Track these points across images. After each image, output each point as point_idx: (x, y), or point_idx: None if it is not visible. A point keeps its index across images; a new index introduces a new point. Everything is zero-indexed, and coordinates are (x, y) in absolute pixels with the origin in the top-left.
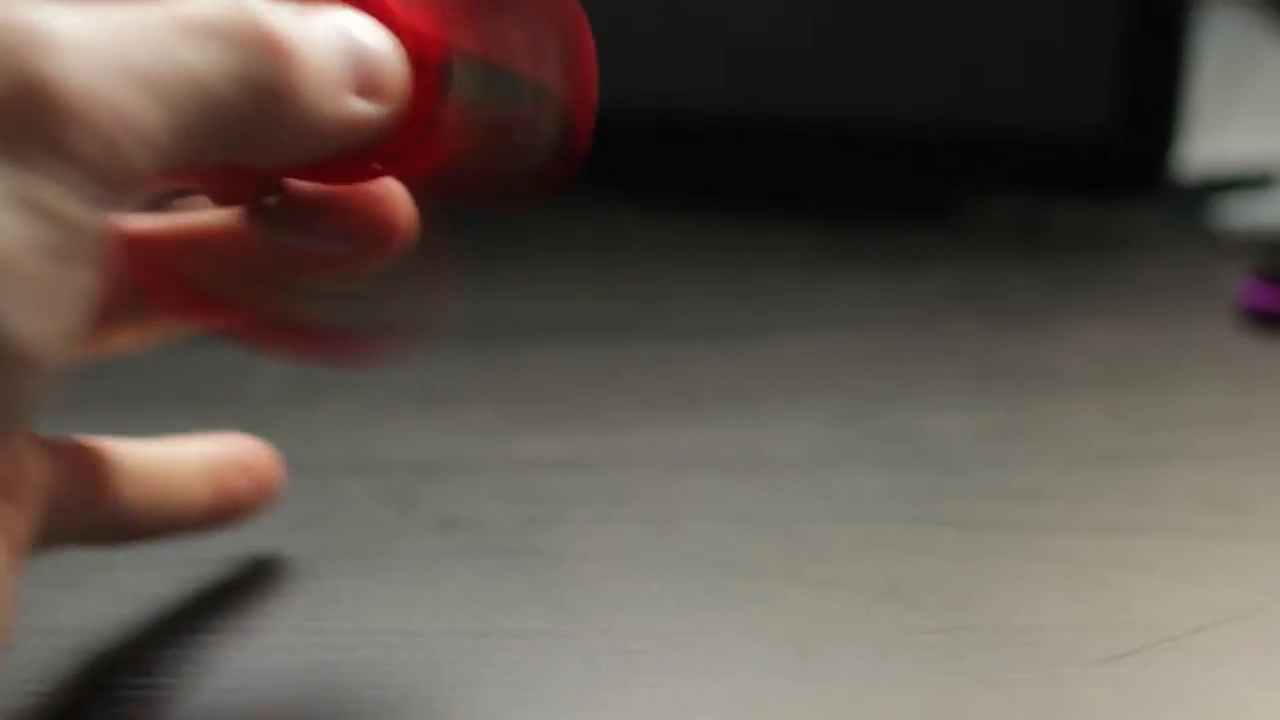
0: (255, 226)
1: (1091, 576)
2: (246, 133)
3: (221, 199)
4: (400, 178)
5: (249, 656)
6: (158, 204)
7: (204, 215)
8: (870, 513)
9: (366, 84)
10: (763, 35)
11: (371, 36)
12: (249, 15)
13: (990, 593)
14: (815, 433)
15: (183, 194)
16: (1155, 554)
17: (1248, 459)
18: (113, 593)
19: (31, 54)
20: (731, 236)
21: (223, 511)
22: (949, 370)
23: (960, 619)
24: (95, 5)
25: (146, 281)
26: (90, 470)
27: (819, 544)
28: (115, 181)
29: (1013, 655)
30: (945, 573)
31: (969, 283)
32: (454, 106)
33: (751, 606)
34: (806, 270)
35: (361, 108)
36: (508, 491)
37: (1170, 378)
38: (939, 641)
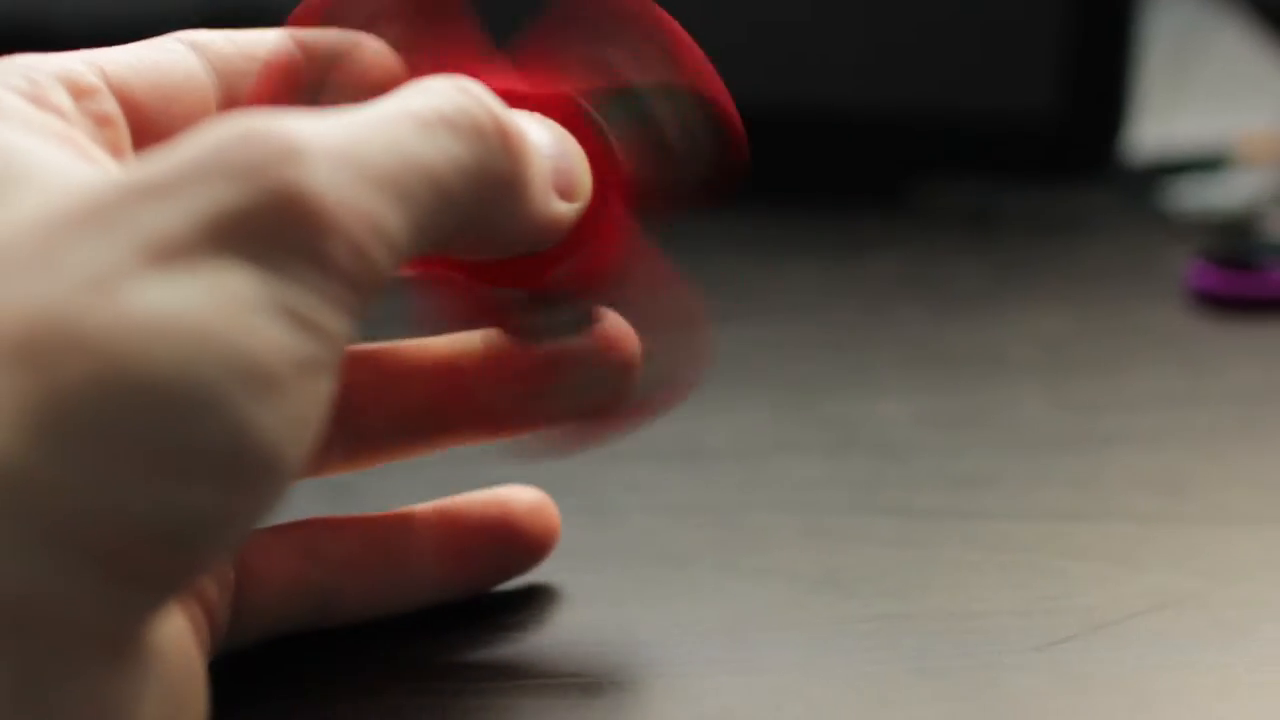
0: (521, 337)
1: (1031, 563)
2: (473, 227)
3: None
4: (591, 260)
5: None
6: None
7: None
8: (809, 501)
9: (565, 184)
10: (709, 20)
11: (554, 134)
12: (484, 107)
13: (929, 580)
14: (755, 421)
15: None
16: (1095, 539)
17: (1192, 443)
18: None
19: (285, 165)
20: (674, 221)
21: (457, 585)
22: (893, 357)
23: (898, 607)
24: (333, 108)
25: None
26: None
27: (756, 534)
28: (364, 288)
29: (951, 642)
30: (884, 561)
31: (916, 269)
32: (619, 173)
33: (686, 597)
34: (752, 256)
35: (564, 208)
36: (445, 485)
37: (1116, 362)
38: (876, 630)
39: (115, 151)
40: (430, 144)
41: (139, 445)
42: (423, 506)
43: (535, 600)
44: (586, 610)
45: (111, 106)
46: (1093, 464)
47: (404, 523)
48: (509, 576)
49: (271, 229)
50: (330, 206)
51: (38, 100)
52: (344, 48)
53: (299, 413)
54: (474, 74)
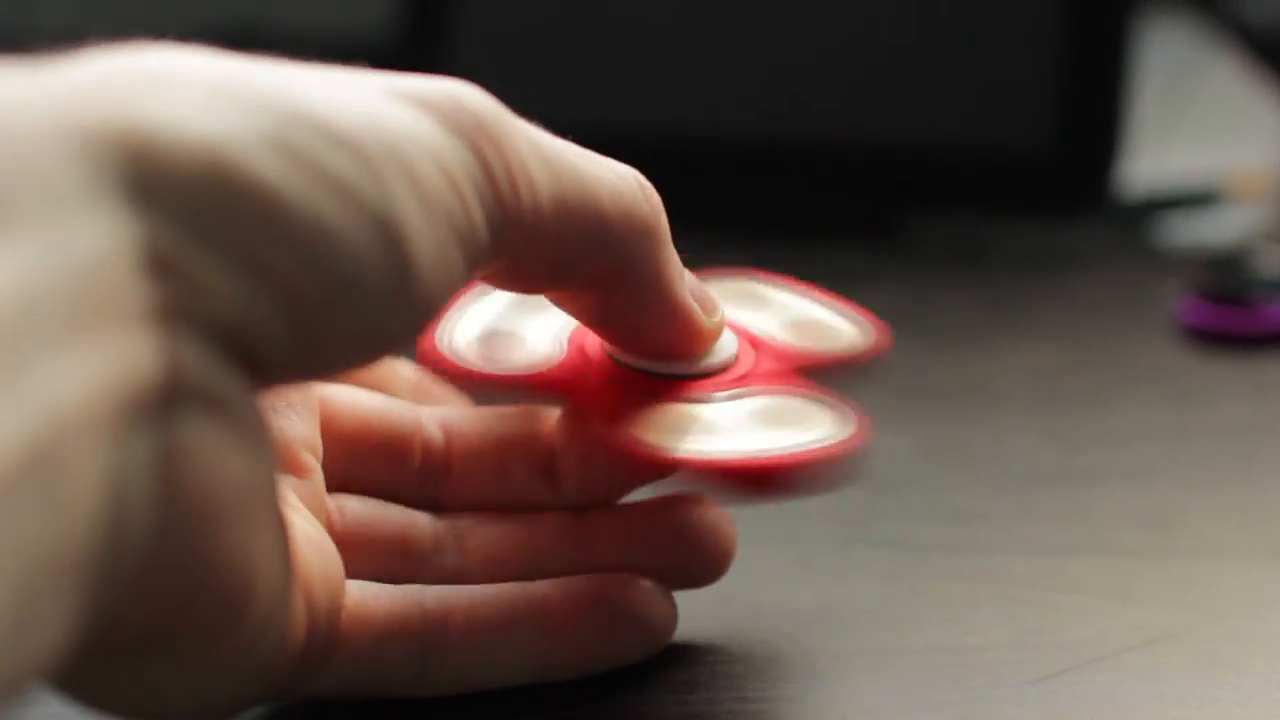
0: None
1: (1023, 597)
2: (618, 270)
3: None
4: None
5: None
6: None
7: None
8: (804, 535)
9: (700, 296)
10: (702, 56)
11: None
12: (645, 182)
13: (923, 614)
14: None
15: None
16: (1087, 574)
17: (1181, 477)
18: None
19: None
20: None
21: (561, 662)
22: (885, 390)
23: (893, 640)
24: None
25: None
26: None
27: (752, 567)
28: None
29: (945, 676)
30: (878, 594)
31: (908, 302)
32: None
33: (683, 630)
34: None
35: (696, 308)
36: None
37: (1107, 396)
38: (871, 664)
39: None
40: (600, 168)
41: (311, 162)
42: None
43: None
44: None
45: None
46: (1084, 498)
47: (523, 589)
48: (617, 659)
49: (470, 121)
50: (515, 142)
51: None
52: None
53: (427, 248)
54: None
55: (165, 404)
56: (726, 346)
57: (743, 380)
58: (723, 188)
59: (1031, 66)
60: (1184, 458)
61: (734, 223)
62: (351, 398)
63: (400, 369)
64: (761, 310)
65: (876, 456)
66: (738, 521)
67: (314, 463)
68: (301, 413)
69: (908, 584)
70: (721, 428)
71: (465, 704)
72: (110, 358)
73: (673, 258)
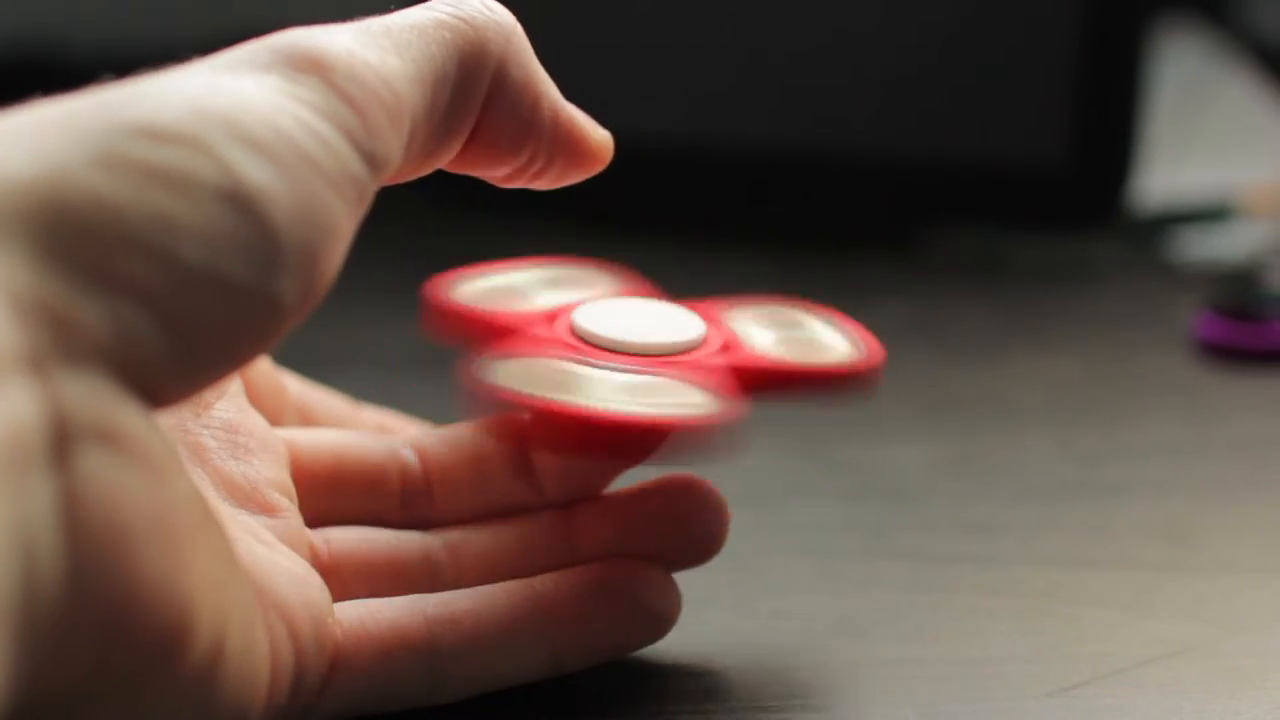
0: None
1: (1043, 609)
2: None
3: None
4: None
5: None
6: None
7: None
8: (824, 545)
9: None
10: (718, 67)
11: None
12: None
13: (942, 625)
14: (768, 464)
15: None
16: (1106, 586)
17: (1199, 492)
18: None
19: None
20: (684, 266)
21: (589, 655)
22: (902, 402)
23: (912, 651)
24: None
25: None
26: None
27: (773, 577)
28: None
29: (965, 687)
30: (898, 605)
31: (923, 314)
32: None
33: (704, 639)
34: None
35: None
36: None
37: (1123, 410)
38: (891, 674)
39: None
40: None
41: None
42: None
43: None
44: None
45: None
46: (1101, 511)
47: (526, 584)
48: (627, 645)
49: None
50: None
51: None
52: None
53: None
54: None
55: (56, 447)
56: (687, 331)
57: (667, 364)
58: (741, 200)
59: (1047, 81)
60: (1201, 472)
61: (752, 234)
62: (320, 438)
63: (363, 415)
64: (771, 329)
65: (887, 469)
66: (757, 530)
67: (285, 501)
68: (264, 457)
69: (927, 595)
70: (592, 390)
71: (478, 714)
72: None
73: (538, 69)
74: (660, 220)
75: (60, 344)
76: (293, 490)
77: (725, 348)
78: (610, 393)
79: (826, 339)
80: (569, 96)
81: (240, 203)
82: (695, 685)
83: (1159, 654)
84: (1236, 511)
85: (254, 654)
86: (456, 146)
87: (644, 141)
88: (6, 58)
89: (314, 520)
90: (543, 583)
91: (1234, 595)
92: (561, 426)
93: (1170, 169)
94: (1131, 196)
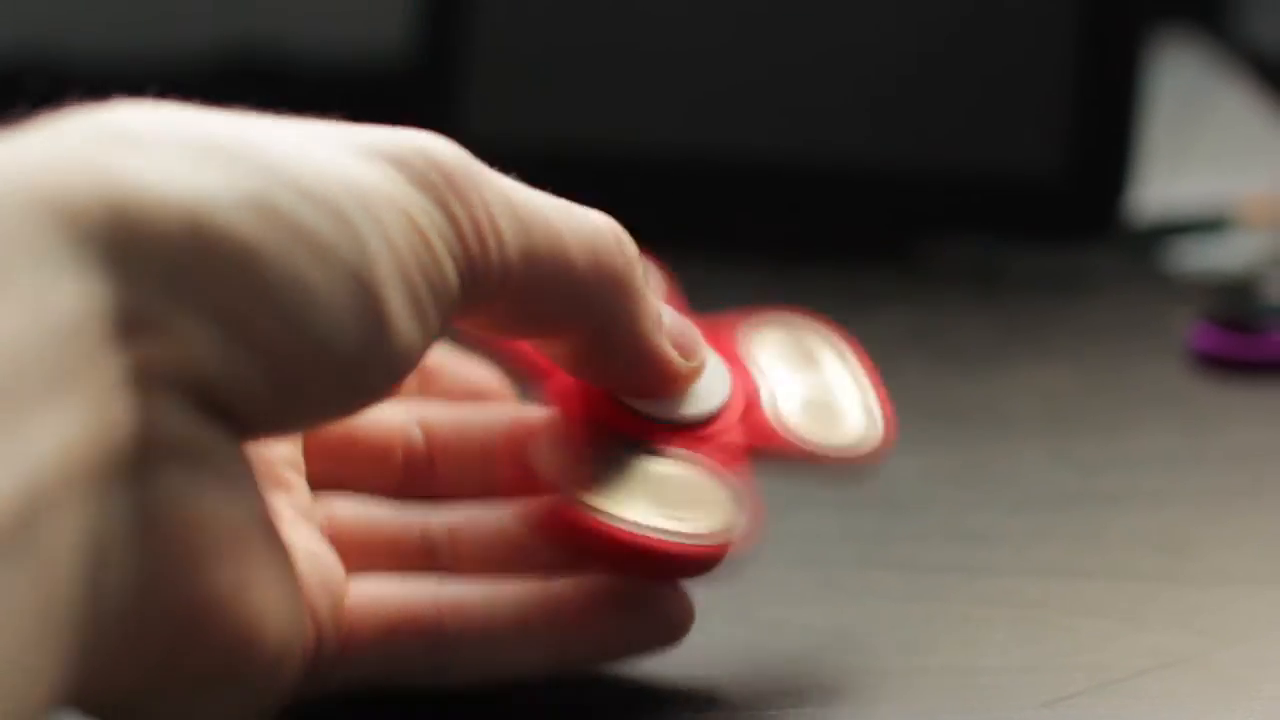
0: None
1: (1038, 619)
2: (588, 312)
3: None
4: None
5: None
6: None
7: None
8: (820, 555)
9: (679, 338)
10: (718, 77)
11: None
12: (620, 232)
13: (937, 635)
14: (763, 474)
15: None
16: (1100, 597)
17: (1194, 502)
18: None
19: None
20: (683, 276)
21: (596, 657)
22: (899, 412)
23: (908, 661)
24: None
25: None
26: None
27: (770, 586)
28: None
29: (961, 697)
30: (893, 615)
31: (920, 324)
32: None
33: (702, 649)
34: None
35: (673, 353)
36: None
37: (1120, 420)
38: (886, 683)
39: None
40: (572, 219)
41: (288, 220)
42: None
43: None
44: None
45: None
46: (1097, 521)
47: (541, 585)
48: (635, 651)
49: (438, 177)
50: (483, 192)
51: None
52: None
53: (398, 305)
54: None
55: (141, 461)
56: (712, 397)
57: (696, 444)
58: (741, 210)
59: (1044, 92)
60: (1196, 483)
61: (751, 245)
62: None
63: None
64: (799, 373)
65: (885, 479)
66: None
67: (297, 478)
68: None
69: (922, 605)
70: (618, 488)
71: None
72: (85, 420)
73: (647, 306)
74: (661, 231)
75: (168, 366)
76: (302, 464)
77: (747, 412)
78: (643, 498)
79: (842, 398)
80: (573, 105)
81: (368, 291)
82: (693, 694)
83: (1154, 664)
84: (1232, 522)
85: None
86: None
87: (645, 152)
88: (6, 63)
89: (315, 482)
90: (557, 585)
91: (1229, 606)
92: (590, 543)
93: (1167, 180)
94: (1128, 207)
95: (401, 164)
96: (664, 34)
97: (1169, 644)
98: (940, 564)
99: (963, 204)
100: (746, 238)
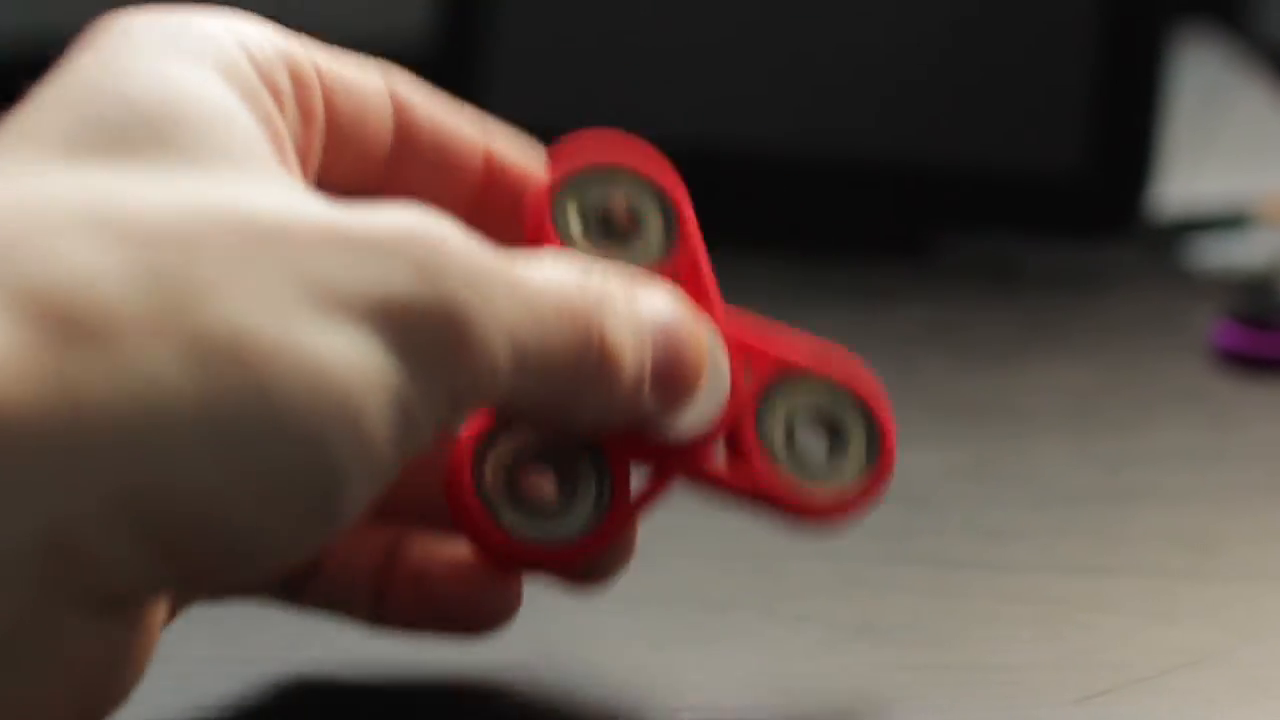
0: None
1: (1063, 615)
2: (559, 396)
3: None
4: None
5: None
6: None
7: None
8: (844, 550)
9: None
10: (734, 71)
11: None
12: (591, 303)
13: (962, 631)
14: None
15: None
16: (1126, 593)
17: (1217, 499)
18: None
19: (465, 286)
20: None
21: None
22: (918, 408)
23: (934, 657)
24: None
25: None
26: None
27: (793, 580)
28: (463, 414)
29: (987, 694)
30: (918, 610)
31: (939, 320)
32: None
33: (726, 642)
34: (777, 306)
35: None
36: None
37: (1141, 417)
38: (912, 680)
39: (305, 154)
40: (540, 323)
41: (252, 463)
42: None
43: (575, 641)
44: (627, 653)
45: (320, 107)
46: (1120, 518)
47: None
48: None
49: (426, 333)
50: (477, 341)
51: (261, 71)
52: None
53: (370, 493)
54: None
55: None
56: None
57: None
58: (757, 203)
59: (1064, 87)
60: (1220, 480)
61: (768, 238)
62: None
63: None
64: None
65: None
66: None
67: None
68: None
69: (945, 601)
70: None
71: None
72: None
73: (632, 375)
74: None
75: (78, 580)
76: None
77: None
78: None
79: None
80: (587, 101)
81: (326, 502)
82: (720, 690)
83: (1180, 662)
84: (1255, 519)
85: None
86: None
87: (658, 146)
88: (6, 57)
89: None
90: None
91: (1254, 602)
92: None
93: (1188, 176)
94: (1149, 203)
95: (384, 322)
96: (685, 25)
97: (1195, 641)
98: (963, 560)
99: (982, 199)
100: (765, 232)
